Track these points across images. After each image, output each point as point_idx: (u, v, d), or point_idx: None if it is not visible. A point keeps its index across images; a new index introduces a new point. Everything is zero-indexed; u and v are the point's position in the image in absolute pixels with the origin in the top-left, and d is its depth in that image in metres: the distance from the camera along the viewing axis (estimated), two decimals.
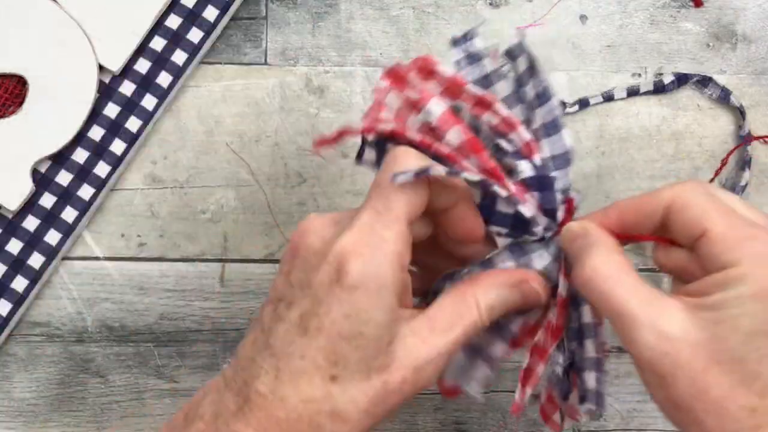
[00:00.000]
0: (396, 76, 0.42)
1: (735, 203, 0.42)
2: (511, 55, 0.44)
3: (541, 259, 0.43)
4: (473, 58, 0.43)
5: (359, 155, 0.46)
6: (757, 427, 0.38)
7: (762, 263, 0.38)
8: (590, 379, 0.43)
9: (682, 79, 0.65)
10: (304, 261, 0.42)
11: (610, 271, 0.40)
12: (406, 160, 0.42)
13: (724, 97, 0.65)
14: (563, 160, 0.43)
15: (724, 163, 0.64)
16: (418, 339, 0.41)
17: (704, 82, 0.65)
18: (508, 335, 0.45)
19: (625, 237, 0.43)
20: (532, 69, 0.42)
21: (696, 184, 0.42)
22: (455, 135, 0.42)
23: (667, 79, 0.65)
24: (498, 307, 0.43)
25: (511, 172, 0.42)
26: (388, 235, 0.41)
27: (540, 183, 0.41)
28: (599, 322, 0.44)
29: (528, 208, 0.41)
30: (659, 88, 0.65)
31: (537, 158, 0.41)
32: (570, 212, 0.43)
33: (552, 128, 0.42)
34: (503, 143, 0.41)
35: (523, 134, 0.41)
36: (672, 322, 0.39)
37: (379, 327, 0.40)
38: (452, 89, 0.42)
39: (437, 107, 0.42)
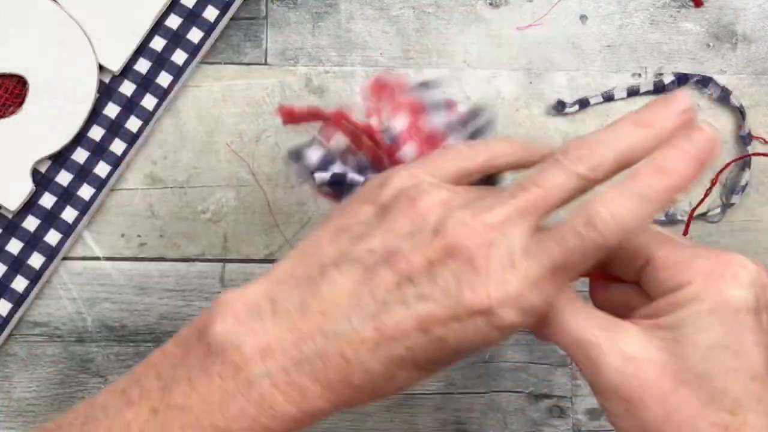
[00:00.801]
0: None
1: (669, 234, 0.42)
2: (474, 113, 0.47)
3: None
4: (435, 106, 0.46)
5: (296, 154, 0.47)
6: None
7: (713, 279, 0.38)
8: None
9: (682, 79, 0.65)
10: (463, 273, 0.39)
11: (561, 303, 0.40)
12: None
13: (724, 97, 0.65)
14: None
15: (713, 183, 0.64)
16: None
17: (704, 82, 0.65)
18: None
19: None
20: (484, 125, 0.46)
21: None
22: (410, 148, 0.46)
23: (668, 79, 0.65)
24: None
25: None
26: (553, 299, 0.40)
27: None
28: None
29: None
30: (659, 88, 0.65)
31: None
32: None
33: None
34: None
35: None
36: (633, 344, 0.39)
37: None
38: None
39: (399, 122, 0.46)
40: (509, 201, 0.39)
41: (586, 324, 0.39)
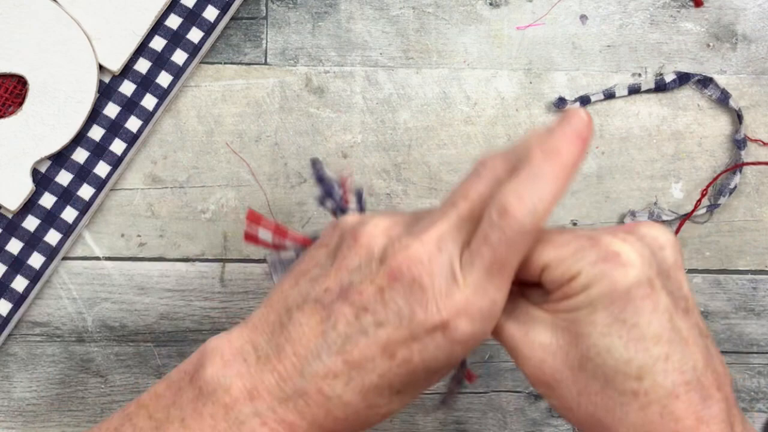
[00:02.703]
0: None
1: (559, 230, 0.44)
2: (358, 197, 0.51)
3: None
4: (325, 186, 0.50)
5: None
6: (639, 395, 0.40)
7: (598, 266, 0.41)
8: None
9: (683, 78, 0.65)
10: (410, 292, 0.42)
11: None
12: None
13: (723, 99, 0.65)
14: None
15: (703, 194, 0.64)
16: None
17: (705, 82, 0.65)
18: None
19: None
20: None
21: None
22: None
23: (669, 77, 0.65)
24: None
25: None
26: (499, 299, 0.42)
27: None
28: None
29: None
30: (661, 86, 0.65)
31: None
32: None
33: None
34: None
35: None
36: (541, 332, 0.42)
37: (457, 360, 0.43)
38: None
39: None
40: (443, 219, 0.42)
41: (506, 319, 0.43)
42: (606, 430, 0.41)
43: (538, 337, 0.42)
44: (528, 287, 0.44)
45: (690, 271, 0.64)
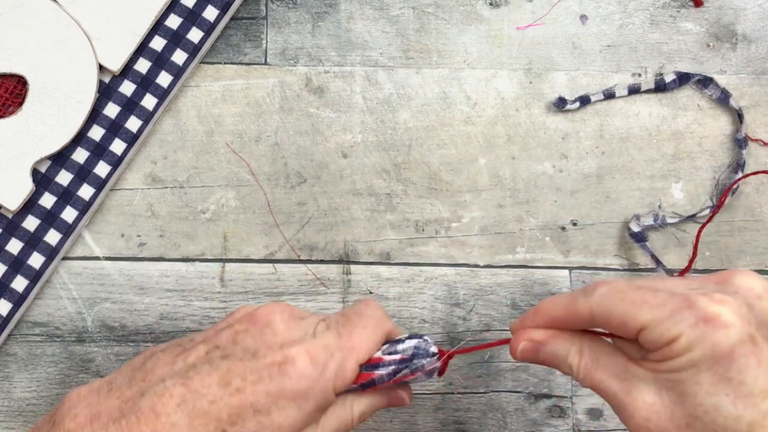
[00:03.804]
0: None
1: (661, 280, 0.45)
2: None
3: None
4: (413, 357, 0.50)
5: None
6: None
7: (698, 329, 0.42)
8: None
9: (683, 78, 0.65)
10: (261, 334, 0.46)
11: (583, 363, 0.46)
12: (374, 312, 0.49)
13: (723, 99, 0.65)
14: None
15: (722, 201, 0.64)
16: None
17: (705, 82, 0.65)
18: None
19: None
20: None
21: (606, 289, 0.45)
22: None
23: (669, 77, 0.65)
24: (367, 411, 0.49)
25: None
26: (348, 366, 0.47)
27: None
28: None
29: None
30: (660, 86, 0.65)
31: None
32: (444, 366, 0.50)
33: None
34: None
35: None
36: (645, 391, 0.44)
37: (288, 419, 0.45)
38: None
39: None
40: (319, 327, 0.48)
41: (608, 376, 0.45)
42: None
43: (642, 396, 0.43)
44: (625, 341, 0.45)
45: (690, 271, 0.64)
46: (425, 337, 0.49)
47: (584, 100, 0.65)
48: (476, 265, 0.64)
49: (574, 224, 0.64)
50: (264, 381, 0.45)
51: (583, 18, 0.66)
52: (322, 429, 0.47)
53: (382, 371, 0.48)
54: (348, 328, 0.48)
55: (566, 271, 0.64)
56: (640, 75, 0.65)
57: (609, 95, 0.65)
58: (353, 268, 0.64)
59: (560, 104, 0.65)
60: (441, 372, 0.50)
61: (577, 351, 0.46)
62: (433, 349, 0.49)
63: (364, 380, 0.48)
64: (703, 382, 0.41)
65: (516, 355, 0.48)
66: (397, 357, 0.49)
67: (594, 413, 0.63)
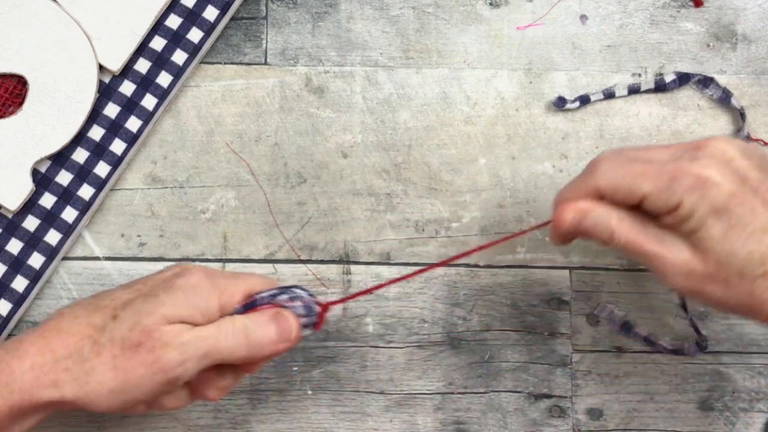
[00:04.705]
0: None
1: (648, 150, 0.52)
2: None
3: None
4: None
5: None
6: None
7: (695, 193, 0.49)
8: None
9: (683, 78, 0.65)
10: (149, 299, 0.51)
11: (624, 228, 0.51)
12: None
13: (725, 99, 0.65)
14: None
15: None
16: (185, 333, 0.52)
17: (705, 82, 0.65)
18: None
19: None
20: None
21: (610, 161, 0.52)
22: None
23: (669, 77, 0.65)
24: (251, 326, 0.53)
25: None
26: (233, 290, 0.53)
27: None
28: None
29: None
30: (660, 86, 0.65)
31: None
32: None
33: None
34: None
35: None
36: (677, 250, 0.50)
37: (176, 304, 0.51)
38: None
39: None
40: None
41: (643, 238, 0.51)
42: (755, 309, 0.50)
43: (679, 255, 0.50)
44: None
45: None
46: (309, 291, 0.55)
47: (584, 100, 0.65)
48: (476, 265, 0.64)
49: None
50: (159, 280, 0.52)
51: (583, 18, 0.66)
52: (208, 333, 0.51)
53: (264, 294, 0.53)
54: (241, 274, 0.55)
55: (566, 271, 0.64)
56: (640, 75, 0.65)
57: (609, 95, 0.65)
58: (353, 268, 0.64)
59: (560, 103, 0.65)
60: (318, 324, 0.55)
61: (618, 218, 0.51)
62: (313, 298, 0.55)
63: (247, 301, 0.53)
64: (714, 235, 0.49)
65: (563, 228, 0.53)
66: (277, 290, 0.54)
67: (594, 413, 0.63)
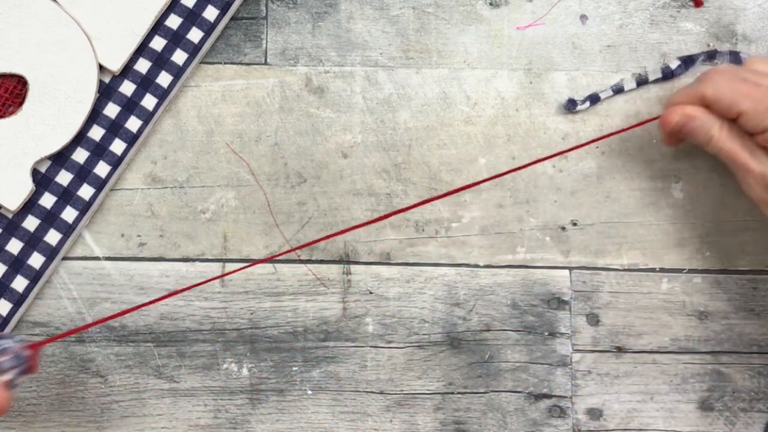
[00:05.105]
0: None
1: (760, 75, 0.57)
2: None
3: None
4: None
5: None
6: None
7: None
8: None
9: (688, 62, 0.65)
10: None
11: (723, 136, 0.58)
12: None
13: (735, 61, 0.65)
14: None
15: None
16: None
17: (710, 56, 0.65)
18: None
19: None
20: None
21: (721, 75, 0.58)
22: None
23: (674, 64, 0.65)
24: None
25: None
26: None
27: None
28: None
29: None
30: (667, 74, 0.65)
31: None
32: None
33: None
34: None
35: None
36: (766, 165, 0.57)
37: None
38: None
39: None
40: None
41: (737, 146, 0.58)
42: None
43: (764, 170, 0.57)
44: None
45: (690, 271, 0.64)
46: (17, 337, 0.53)
47: (594, 99, 0.65)
48: (476, 265, 0.64)
49: (574, 224, 0.64)
50: None
51: (583, 18, 0.66)
52: None
53: None
54: None
55: (566, 271, 0.64)
56: (640, 75, 0.65)
57: (618, 90, 0.65)
58: (353, 268, 0.64)
59: (570, 106, 0.65)
60: (32, 367, 0.53)
61: (719, 126, 0.58)
62: (20, 344, 0.53)
63: None
64: None
65: (668, 127, 0.59)
66: None
67: (594, 413, 0.63)
